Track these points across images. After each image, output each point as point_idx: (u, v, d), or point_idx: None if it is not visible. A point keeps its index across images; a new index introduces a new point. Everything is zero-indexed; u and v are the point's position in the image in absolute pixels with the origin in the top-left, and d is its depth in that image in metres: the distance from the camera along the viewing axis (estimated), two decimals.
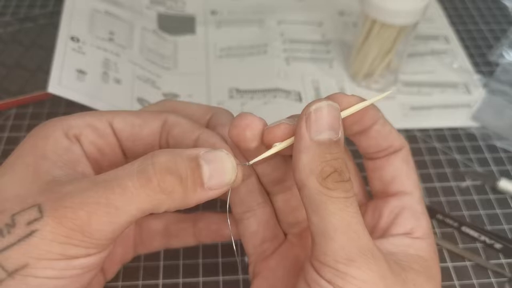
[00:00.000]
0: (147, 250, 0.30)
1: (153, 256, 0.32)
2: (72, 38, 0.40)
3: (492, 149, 0.40)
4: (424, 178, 0.38)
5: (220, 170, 0.22)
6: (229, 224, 0.27)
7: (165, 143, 0.25)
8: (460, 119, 0.42)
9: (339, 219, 0.20)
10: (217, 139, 0.24)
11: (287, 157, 0.25)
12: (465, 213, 0.35)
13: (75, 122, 0.24)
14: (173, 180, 0.21)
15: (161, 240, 0.29)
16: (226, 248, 0.33)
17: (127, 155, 0.26)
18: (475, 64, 0.47)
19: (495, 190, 0.37)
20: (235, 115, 0.24)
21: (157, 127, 0.25)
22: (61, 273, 0.20)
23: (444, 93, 0.44)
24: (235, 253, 0.32)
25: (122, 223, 0.20)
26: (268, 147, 0.23)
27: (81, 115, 0.25)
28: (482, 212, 0.36)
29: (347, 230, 0.20)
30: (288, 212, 0.26)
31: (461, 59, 0.47)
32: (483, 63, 0.47)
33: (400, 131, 0.41)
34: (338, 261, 0.20)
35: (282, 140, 0.23)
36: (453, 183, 0.37)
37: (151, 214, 0.29)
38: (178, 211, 0.27)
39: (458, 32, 0.51)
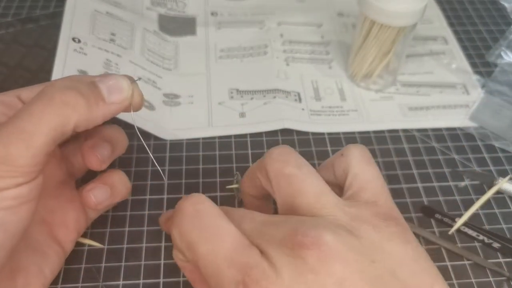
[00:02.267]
0: (96, 212, 0.31)
1: (154, 255, 0.32)
2: (74, 39, 0.41)
3: (491, 149, 0.40)
4: (423, 177, 0.38)
5: (117, 86, 0.25)
6: (141, 138, 0.29)
7: None
8: (458, 119, 0.42)
9: None
10: (117, 75, 0.27)
11: None
12: (464, 212, 0.36)
13: None
14: (75, 94, 0.23)
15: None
16: None
17: None
18: (474, 65, 0.47)
19: None
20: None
21: None
22: None
23: (443, 93, 0.44)
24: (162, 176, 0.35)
25: (39, 145, 0.22)
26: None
27: None
28: (480, 211, 0.36)
29: None
30: None
31: (460, 60, 0.48)
32: (482, 64, 0.48)
33: (399, 131, 0.41)
34: None
35: None
36: (451, 183, 0.38)
37: None
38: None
39: (456, 33, 0.51)
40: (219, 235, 0.22)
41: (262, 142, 0.40)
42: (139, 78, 0.27)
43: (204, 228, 0.23)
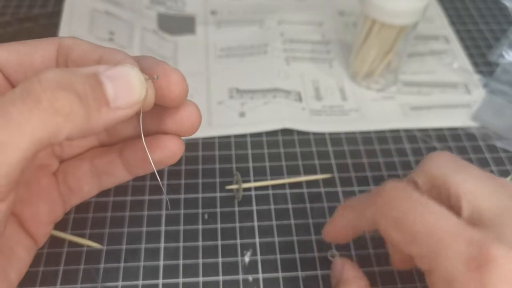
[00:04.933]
0: (79, 198, 0.26)
1: (153, 256, 0.32)
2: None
3: (492, 149, 0.40)
4: None
5: (126, 86, 0.19)
6: (147, 149, 0.22)
7: None
8: (460, 119, 0.42)
9: None
10: (123, 56, 0.21)
11: None
12: None
13: None
14: (69, 98, 0.17)
15: (91, 182, 0.25)
16: (226, 248, 0.33)
17: None
18: (475, 64, 0.47)
19: None
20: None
21: (51, 52, 0.22)
22: None
23: (444, 93, 0.44)
24: (162, 188, 0.27)
25: (15, 162, 0.17)
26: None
27: None
28: None
29: None
30: None
31: (461, 59, 0.47)
32: (483, 63, 0.47)
33: (400, 131, 0.41)
34: None
35: None
36: None
37: (77, 157, 0.26)
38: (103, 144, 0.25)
39: (458, 32, 0.51)
40: (440, 212, 0.21)
41: (262, 142, 0.40)
42: (157, 77, 0.21)
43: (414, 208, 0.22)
